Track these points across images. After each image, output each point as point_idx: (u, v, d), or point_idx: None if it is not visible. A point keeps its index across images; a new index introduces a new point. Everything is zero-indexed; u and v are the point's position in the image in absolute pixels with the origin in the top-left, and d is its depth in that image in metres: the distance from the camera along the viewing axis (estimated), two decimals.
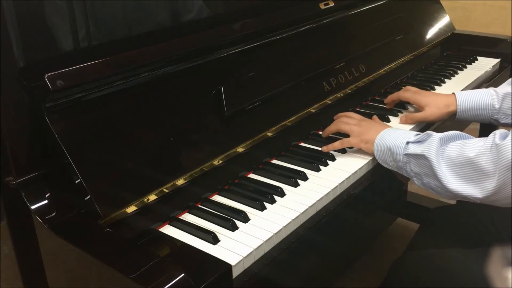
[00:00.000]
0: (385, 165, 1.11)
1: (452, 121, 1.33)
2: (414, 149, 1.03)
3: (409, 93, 1.35)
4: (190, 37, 1.09)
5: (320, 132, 1.29)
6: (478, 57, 1.80)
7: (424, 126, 1.33)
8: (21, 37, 0.85)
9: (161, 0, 1.07)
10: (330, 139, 1.21)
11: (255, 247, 0.86)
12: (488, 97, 1.27)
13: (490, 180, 0.91)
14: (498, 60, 1.76)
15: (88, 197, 0.85)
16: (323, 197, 1.01)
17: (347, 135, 1.18)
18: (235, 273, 0.83)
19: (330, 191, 1.03)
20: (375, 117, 1.30)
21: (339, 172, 1.09)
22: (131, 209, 0.90)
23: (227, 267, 0.81)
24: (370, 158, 1.15)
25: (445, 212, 1.36)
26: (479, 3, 3.09)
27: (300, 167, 1.11)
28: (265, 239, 0.88)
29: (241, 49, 1.19)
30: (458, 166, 0.95)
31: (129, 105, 0.96)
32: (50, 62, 0.88)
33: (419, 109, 1.34)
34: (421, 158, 1.01)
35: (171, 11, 1.11)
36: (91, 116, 0.91)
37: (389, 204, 2.03)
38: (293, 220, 0.94)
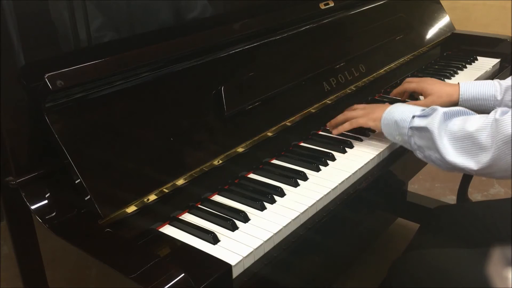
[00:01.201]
0: (391, 138, 1.15)
1: None
2: (418, 122, 1.05)
3: (414, 83, 1.39)
4: (190, 37, 1.09)
5: (321, 132, 1.29)
6: (478, 57, 1.80)
7: None
8: (21, 37, 0.85)
9: (161, 0, 1.07)
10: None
11: (255, 247, 0.86)
12: (491, 88, 1.29)
13: (486, 153, 0.95)
14: (498, 60, 1.76)
15: (88, 197, 0.85)
16: (323, 197, 1.01)
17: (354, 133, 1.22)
18: (235, 273, 0.83)
19: (330, 191, 1.03)
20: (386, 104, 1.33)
21: (339, 172, 1.09)
22: (131, 209, 0.90)
23: (227, 267, 0.81)
24: (370, 158, 1.15)
25: (445, 212, 1.36)
26: (479, 3, 3.09)
27: (300, 167, 1.11)
28: (265, 239, 0.88)
29: (241, 49, 1.19)
30: (458, 140, 0.99)
31: (129, 105, 0.96)
32: (50, 62, 0.88)
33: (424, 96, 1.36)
34: (424, 131, 1.04)
35: (171, 11, 1.11)
36: (91, 116, 0.91)
37: (389, 204, 2.03)
38: (293, 220, 0.94)
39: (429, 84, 1.36)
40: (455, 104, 1.32)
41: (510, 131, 0.92)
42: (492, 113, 0.97)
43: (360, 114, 1.21)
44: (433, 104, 1.30)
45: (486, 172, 0.98)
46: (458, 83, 1.33)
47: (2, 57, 0.83)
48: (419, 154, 1.09)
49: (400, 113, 1.10)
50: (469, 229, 1.25)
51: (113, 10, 1.00)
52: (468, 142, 0.98)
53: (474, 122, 0.98)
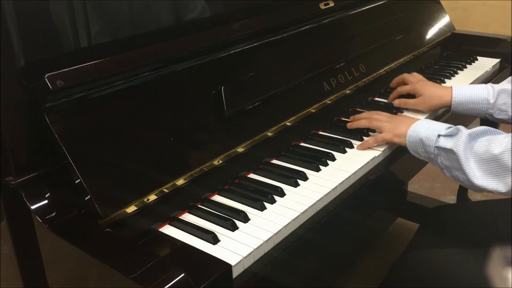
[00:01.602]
0: (416, 155, 1.15)
1: (451, 114, 1.38)
2: (444, 142, 1.06)
3: (408, 86, 1.41)
4: (190, 37, 1.09)
5: (321, 132, 1.29)
6: (478, 57, 1.80)
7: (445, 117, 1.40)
8: (21, 37, 0.85)
9: (161, 0, 1.07)
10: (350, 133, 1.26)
11: (255, 247, 0.86)
12: (484, 92, 1.31)
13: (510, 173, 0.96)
14: (498, 60, 1.76)
15: (88, 197, 0.85)
16: (323, 197, 1.01)
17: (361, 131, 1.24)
18: (235, 273, 0.83)
19: (330, 191, 1.03)
20: (404, 114, 1.36)
21: (339, 172, 1.09)
22: (131, 209, 0.90)
23: (227, 267, 0.81)
24: (370, 158, 1.15)
25: (445, 212, 1.36)
26: (479, 3, 3.09)
27: (300, 167, 1.11)
28: (265, 239, 0.88)
29: (241, 49, 1.19)
30: (484, 162, 1.00)
31: (129, 105, 0.96)
32: (50, 62, 0.88)
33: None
34: (450, 152, 1.05)
35: (171, 11, 1.11)
36: (91, 116, 0.91)
37: (389, 204, 2.03)
38: (293, 220, 0.94)
39: (422, 86, 1.38)
40: (447, 106, 1.36)
41: None
42: None
43: (386, 129, 1.19)
44: (424, 104, 1.36)
45: None
46: (451, 86, 1.35)
47: (2, 57, 0.83)
48: (446, 173, 1.10)
49: (425, 131, 1.11)
50: (469, 229, 1.25)
51: (113, 10, 1.00)
52: (494, 164, 0.98)
53: (499, 143, 0.98)
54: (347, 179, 1.07)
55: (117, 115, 0.94)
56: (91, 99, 0.91)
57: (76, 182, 0.85)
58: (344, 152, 1.18)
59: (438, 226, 1.32)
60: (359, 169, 1.11)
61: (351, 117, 1.31)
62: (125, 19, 1.03)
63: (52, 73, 0.83)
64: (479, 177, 1.01)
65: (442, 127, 1.09)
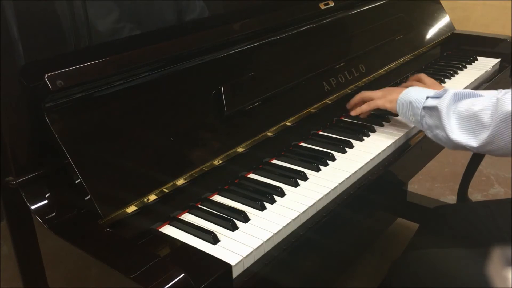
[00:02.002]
0: (405, 119, 1.21)
1: None
2: (430, 102, 1.11)
3: (428, 81, 1.42)
4: (190, 37, 1.09)
5: (321, 132, 1.29)
6: (478, 57, 1.80)
7: None
8: (21, 37, 0.85)
9: (162, 0, 1.07)
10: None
11: (255, 247, 0.86)
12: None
13: (486, 130, 0.99)
14: (498, 60, 1.76)
15: (88, 197, 0.85)
16: (323, 197, 1.01)
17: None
18: (235, 273, 0.83)
19: (330, 191, 1.03)
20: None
21: (339, 172, 1.09)
22: (131, 209, 0.90)
23: (227, 267, 0.81)
24: (370, 158, 1.15)
25: (445, 212, 1.36)
26: (479, 3, 3.09)
27: (300, 167, 1.11)
28: (265, 239, 0.88)
29: (241, 49, 1.19)
30: (464, 120, 1.04)
31: (129, 105, 0.96)
32: (50, 62, 0.88)
33: None
34: (434, 110, 1.09)
35: (171, 11, 1.11)
36: (91, 116, 0.91)
37: (389, 204, 2.03)
38: (293, 220, 0.94)
39: (426, 77, 1.42)
40: None
41: (509, 109, 0.95)
42: (496, 92, 1.01)
43: (378, 96, 1.26)
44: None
45: (486, 149, 1.02)
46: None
47: (2, 57, 0.83)
48: (428, 134, 1.14)
49: (415, 94, 1.15)
50: (469, 228, 1.25)
51: (113, 10, 1.00)
52: (472, 121, 1.02)
53: (480, 103, 1.02)
54: (347, 179, 1.08)
55: (117, 115, 0.94)
56: (91, 99, 0.91)
57: (76, 182, 0.85)
58: (344, 152, 1.18)
59: (438, 226, 1.32)
60: (359, 169, 1.11)
61: (347, 105, 1.35)
62: (125, 19, 1.03)
63: (52, 73, 0.83)
64: (456, 133, 1.04)
65: (431, 91, 1.14)
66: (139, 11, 1.05)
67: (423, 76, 1.47)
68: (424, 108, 1.12)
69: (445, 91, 1.10)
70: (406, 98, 1.18)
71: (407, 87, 1.42)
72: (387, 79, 1.55)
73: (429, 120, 1.11)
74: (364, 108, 1.26)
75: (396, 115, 1.36)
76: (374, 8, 1.62)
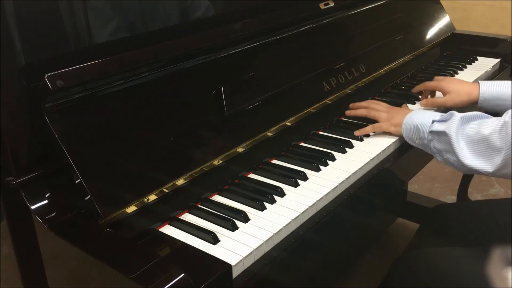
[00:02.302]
0: (411, 143, 1.19)
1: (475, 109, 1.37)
2: (437, 126, 1.10)
3: (433, 82, 1.43)
4: (190, 37, 1.09)
5: (321, 132, 1.29)
6: (478, 57, 1.80)
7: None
8: (21, 37, 0.85)
9: (161, 0, 1.07)
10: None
11: (255, 247, 0.86)
12: (510, 89, 1.30)
13: (499, 154, 0.99)
14: (498, 60, 1.76)
15: (88, 197, 0.85)
16: (323, 197, 1.01)
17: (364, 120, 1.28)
18: (235, 273, 0.83)
19: (330, 191, 1.03)
20: (404, 105, 1.38)
21: (339, 172, 1.09)
22: (131, 209, 0.90)
23: (227, 267, 0.81)
24: (370, 158, 1.15)
25: (445, 212, 1.36)
26: (479, 3, 3.09)
27: (300, 167, 1.11)
28: (265, 239, 0.88)
29: (241, 49, 1.19)
30: (474, 143, 1.03)
31: (129, 105, 0.96)
32: (50, 62, 0.88)
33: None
34: (443, 135, 1.08)
35: (171, 11, 1.11)
36: (91, 116, 0.91)
37: (389, 204, 2.03)
38: (293, 220, 0.94)
39: (448, 83, 1.39)
40: (474, 102, 1.35)
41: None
42: (504, 115, 1.00)
43: (383, 118, 1.24)
44: (451, 101, 1.36)
45: (502, 173, 1.01)
46: (478, 82, 1.35)
47: (2, 57, 0.83)
48: (438, 158, 1.13)
49: (421, 118, 1.15)
50: (469, 228, 1.26)
51: (113, 10, 1.00)
52: (483, 145, 1.02)
53: (489, 125, 1.02)
54: (347, 179, 1.07)
55: (117, 115, 0.94)
56: (91, 99, 0.91)
57: (76, 182, 0.85)
58: (344, 152, 1.18)
59: (438, 226, 1.32)
60: (359, 169, 1.11)
61: (351, 105, 1.34)
62: (125, 19, 1.03)
63: (52, 73, 0.83)
64: (469, 157, 1.04)
65: (436, 114, 1.13)
66: (139, 11, 1.05)
67: (427, 82, 1.46)
68: (431, 132, 1.11)
69: (451, 114, 1.10)
70: (411, 123, 1.17)
71: (423, 87, 1.44)
72: (387, 79, 1.55)
73: (437, 145, 1.11)
74: (369, 130, 1.24)
75: None
76: (374, 8, 1.62)
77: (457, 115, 1.08)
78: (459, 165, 1.06)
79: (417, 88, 1.47)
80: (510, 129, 0.97)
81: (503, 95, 1.30)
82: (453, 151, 1.06)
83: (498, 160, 0.99)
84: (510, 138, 0.96)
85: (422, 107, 1.40)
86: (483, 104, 1.34)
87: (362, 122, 1.32)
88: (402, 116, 1.20)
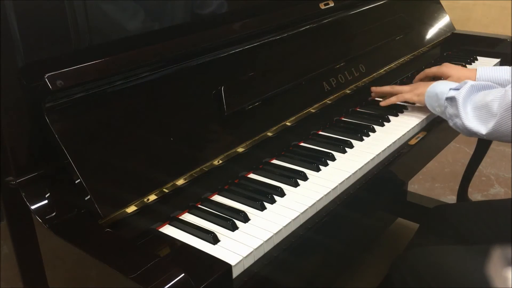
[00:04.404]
0: (432, 110, 1.29)
1: None
2: (451, 93, 1.19)
3: (434, 68, 1.49)
4: (190, 36, 1.09)
5: (321, 132, 1.29)
6: (478, 57, 1.80)
7: None
8: (21, 37, 0.85)
9: (161, 0, 1.07)
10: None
11: (255, 247, 0.86)
12: (507, 73, 1.35)
13: (493, 119, 1.08)
14: (498, 60, 1.76)
15: (88, 197, 0.85)
16: (323, 197, 1.01)
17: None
18: (235, 273, 0.83)
19: (330, 191, 1.03)
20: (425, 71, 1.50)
21: (339, 172, 1.09)
22: (131, 209, 0.90)
23: (227, 267, 0.81)
24: (370, 158, 1.15)
25: (445, 211, 1.36)
26: (479, 3, 3.09)
27: (300, 167, 1.11)
28: (265, 239, 0.88)
29: (241, 49, 1.19)
30: (477, 109, 1.12)
31: (129, 105, 0.96)
32: (50, 62, 0.88)
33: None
34: (453, 100, 1.17)
35: (171, 11, 1.11)
36: (91, 116, 0.91)
37: (389, 204, 2.03)
38: (293, 220, 0.94)
39: (449, 68, 1.46)
40: None
41: (511, 99, 1.03)
42: (508, 85, 1.07)
43: (406, 90, 1.36)
44: None
45: (494, 136, 1.10)
46: (476, 68, 1.40)
47: (2, 57, 0.83)
48: (450, 123, 1.21)
49: (441, 87, 1.24)
50: (469, 228, 1.26)
51: (113, 10, 1.00)
52: (484, 110, 1.10)
53: (492, 93, 1.10)
54: (347, 179, 1.08)
55: (117, 115, 0.94)
56: (91, 99, 0.91)
57: (76, 182, 0.85)
58: (344, 152, 1.18)
59: (438, 226, 1.32)
60: (359, 169, 1.11)
61: (373, 88, 1.45)
62: (125, 19, 1.03)
63: (52, 73, 0.83)
64: (471, 120, 1.13)
65: (454, 84, 1.21)
66: (139, 11, 1.05)
67: (427, 69, 1.51)
68: (446, 99, 1.20)
69: (465, 83, 1.18)
70: (433, 91, 1.26)
71: (423, 75, 1.50)
72: (387, 79, 1.55)
73: (450, 110, 1.19)
74: (393, 100, 1.36)
75: (396, 115, 1.36)
76: (374, 8, 1.62)
77: (468, 83, 1.17)
78: (463, 128, 1.15)
79: (418, 77, 1.52)
80: (509, 96, 1.03)
81: (498, 79, 1.35)
82: (459, 115, 1.15)
83: (491, 123, 1.08)
84: (505, 104, 1.04)
85: None
86: None
87: (362, 122, 1.33)
88: (425, 86, 1.29)
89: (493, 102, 1.08)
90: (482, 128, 1.11)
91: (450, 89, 1.20)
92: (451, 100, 1.18)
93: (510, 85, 1.06)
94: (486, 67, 1.40)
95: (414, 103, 1.39)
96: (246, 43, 1.20)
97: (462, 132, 1.18)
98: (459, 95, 1.15)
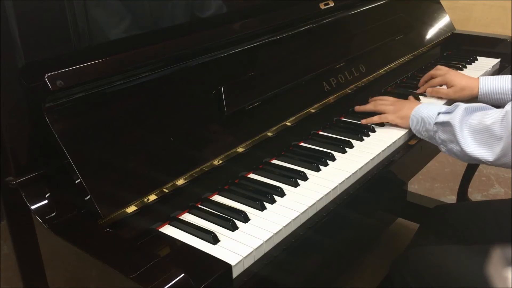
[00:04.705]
0: (418, 134, 1.24)
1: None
2: (442, 118, 1.14)
3: (439, 78, 1.48)
4: (190, 36, 1.09)
5: (321, 132, 1.29)
6: (478, 57, 1.80)
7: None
8: (21, 37, 0.85)
9: (161, 0, 1.07)
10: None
11: (255, 247, 0.86)
12: (509, 83, 1.34)
13: (499, 143, 1.03)
14: (498, 60, 1.76)
15: (88, 197, 0.85)
16: (323, 197, 1.01)
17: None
18: (235, 273, 0.83)
19: (330, 191, 1.03)
20: (410, 97, 1.43)
21: (339, 172, 1.09)
22: (131, 209, 0.90)
23: (227, 267, 0.81)
24: (370, 158, 1.15)
25: (445, 211, 1.36)
26: (479, 3, 3.09)
27: (300, 167, 1.11)
28: (265, 239, 0.88)
29: (241, 49, 1.19)
30: (477, 133, 1.07)
31: (129, 105, 0.96)
32: (50, 62, 0.88)
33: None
34: (447, 125, 1.12)
35: (171, 11, 1.11)
36: (91, 116, 0.91)
37: (389, 204, 2.03)
38: (293, 220, 0.94)
39: (452, 76, 1.44)
40: (475, 97, 1.39)
41: None
42: (507, 105, 1.03)
43: (390, 110, 1.29)
44: (455, 94, 1.42)
45: (501, 161, 1.04)
46: (478, 77, 1.39)
47: (2, 57, 0.83)
48: (442, 148, 1.17)
49: (427, 111, 1.19)
50: (469, 228, 1.26)
51: (113, 10, 1.00)
52: (485, 134, 1.05)
53: (492, 116, 1.05)
54: (347, 179, 1.07)
55: (117, 115, 0.94)
56: (91, 99, 0.91)
57: (76, 182, 0.85)
58: (344, 152, 1.18)
59: (438, 226, 1.32)
60: (359, 169, 1.11)
61: (356, 108, 1.39)
62: (125, 19, 1.03)
63: (52, 73, 0.83)
64: (471, 146, 1.07)
65: (442, 107, 1.17)
66: (138, 11, 1.05)
67: (433, 72, 1.50)
68: (436, 124, 1.14)
69: (456, 106, 1.13)
70: (418, 116, 1.21)
71: (428, 86, 1.48)
72: (387, 79, 1.55)
73: (442, 135, 1.14)
74: (375, 120, 1.29)
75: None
76: (374, 8, 1.62)
77: (461, 106, 1.11)
78: (462, 154, 1.10)
79: (424, 88, 1.50)
80: (511, 118, 1.00)
81: (502, 89, 1.34)
82: (456, 141, 1.09)
83: (498, 148, 1.03)
84: (510, 126, 0.99)
85: (428, 95, 1.48)
86: (483, 98, 1.37)
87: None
88: (409, 109, 1.24)
89: (494, 125, 1.03)
90: (488, 154, 1.05)
91: (440, 113, 1.15)
92: (443, 125, 1.13)
93: (510, 106, 1.02)
94: (488, 77, 1.39)
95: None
96: (246, 43, 1.20)
97: (460, 158, 1.13)
98: (454, 120, 1.10)
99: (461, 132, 1.09)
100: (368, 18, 1.59)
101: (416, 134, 1.24)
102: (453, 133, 1.10)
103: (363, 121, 1.30)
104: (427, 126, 1.17)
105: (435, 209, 1.41)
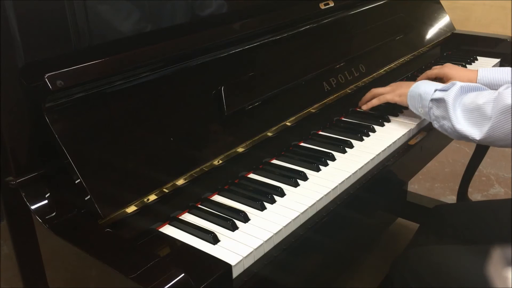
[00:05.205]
0: (414, 111, 1.26)
1: None
2: (438, 94, 1.16)
3: (436, 70, 1.48)
4: (190, 36, 1.09)
5: (321, 132, 1.29)
6: (478, 57, 1.80)
7: None
8: (21, 37, 0.85)
9: (161, 0, 1.07)
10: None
11: (255, 247, 0.86)
12: (507, 75, 1.34)
13: (488, 122, 1.05)
14: (498, 60, 1.76)
15: (88, 197, 0.85)
16: (323, 197, 1.01)
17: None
18: (235, 273, 0.83)
19: (330, 191, 1.03)
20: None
21: (339, 172, 1.09)
22: (131, 209, 0.90)
23: (227, 267, 0.81)
24: (370, 158, 1.15)
25: (445, 212, 1.36)
26: (479, 3, 3.09)
27: (300, 167, 1.11)
28: (265, 239, 0.88)
29: (241, 49, 1.19)
30: (469, 111, 1.10)
31: (129, 105, 0.96)
32: (50, 62, 0.88)
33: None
34: (441, 101, 1.15)
35: (171, 11, 1.11)
36: (91, 116, 0.91)
37: (389, 204, 2.03)
38: (293, 220, 0.94)
39: (451, 69, 1.45)
40: None
41: (509, 102, 1.01)
42: (501, 87, 1.05)
43: (387, 90, 1.33)
44: None
45: (488, 141, 1.07)
46: (477, 69, 1.39)
47: (2, 57, 0.83)
48: (435, 124, 1.19)
49: (424, 87, 1.21)
50: (469, 228, 1.26)
51: (113, 10, 1.00)
52: (476, 113, 1.08)
53: (484, 96, 1.07)
54: (347, 179, 1.08)
55: (117, 115, 0.94)
56: (91, 99, 0.91)
57: (76, 182, 0.85)
58: (344, 152, 1.18)
59: (438, 226, 1.32)
60: (359, 169, 1.11)
61: (359, 103, 1.41)
62: (125, 19, 1.03)
63: (52, 73, 0.83)
64: (461, 123, 1.10)
65: (440, 85, 1.19)
66: (138, 11, 1.05)
67: (429, 71, 1.50)
68: (432, 100, 1.17)
69: (453, 84, 1.15)
70: (416, 91, 1.23)
71: (425, 77, 1.48)
72: (387, 79, 1.55)
73: (436, 111, 1.17)
74: (375, 102, 1.33)
75: (396, 115, 1.36)
76: (374, 8, 1.62)
77: (457, 84, 1.14)
78: (452, 131, 1.13)
79: (420, 79, 1.50)
80: (503, 99, 1.02)
81: (501, 81, 1.34)
82: (448, 117, 1.12)
83: (485, 128, 1.05)
84: (500, 107, 1.02)
85: None
86: None
87: (362, 122, 1.32)
88: (407, 87, 1.27)
89: (486, 105, 1.05)
90: (476, 132, 1.08)
91: (436, 90, 1.17)
92: (438, 101, 1.16)
93: (504, 87, 1.04)
94: (487, 68, 1.39)
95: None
96: (246, 43, 1.20)
97: (450, 134, 1.15)
98: (448, 97, 1.12)
99: (453, 109, 1.11)
100: (368, 18, 1.59)
101: (413, 111, 1.26)
102: (446, 109, 1.13)
103: (364, 107, 1.36)
104: (423, 102, 1.20)
105: (435, 209, 1.41)
